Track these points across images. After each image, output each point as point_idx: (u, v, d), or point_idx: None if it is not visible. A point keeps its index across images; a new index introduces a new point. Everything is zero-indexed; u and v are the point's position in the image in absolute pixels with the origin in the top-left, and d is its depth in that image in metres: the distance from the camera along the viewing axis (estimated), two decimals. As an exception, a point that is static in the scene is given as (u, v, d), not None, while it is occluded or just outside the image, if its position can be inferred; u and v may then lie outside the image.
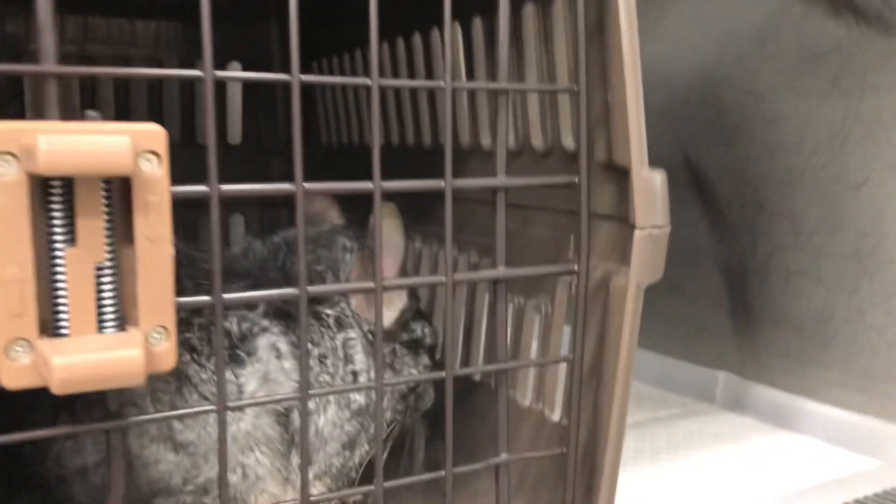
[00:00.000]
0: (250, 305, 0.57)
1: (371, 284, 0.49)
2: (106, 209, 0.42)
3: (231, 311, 0.56)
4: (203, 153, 0.44)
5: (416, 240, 0.90)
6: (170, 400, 0.52)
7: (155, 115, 1.10)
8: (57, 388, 0.39)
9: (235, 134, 1.18)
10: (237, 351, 0.55)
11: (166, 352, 0.44)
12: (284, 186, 0.47)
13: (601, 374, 0.60)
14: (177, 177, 0.43)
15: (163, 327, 0.44)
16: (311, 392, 0.48)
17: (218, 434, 0.45)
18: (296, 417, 0.57)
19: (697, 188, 1.05)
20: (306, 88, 1.18)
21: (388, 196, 0.49)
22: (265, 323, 0.57)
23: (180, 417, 0.52)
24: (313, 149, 1.17)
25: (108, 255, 0.43)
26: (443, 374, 0.52)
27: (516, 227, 0.73)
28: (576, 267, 0.56)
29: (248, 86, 1.17)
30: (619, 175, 0.59)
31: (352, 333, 0.61)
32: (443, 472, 0.53)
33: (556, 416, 0.67)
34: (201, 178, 0.46)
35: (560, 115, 0.64)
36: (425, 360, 0.67)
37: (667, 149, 1.08)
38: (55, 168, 0.38)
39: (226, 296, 0.46)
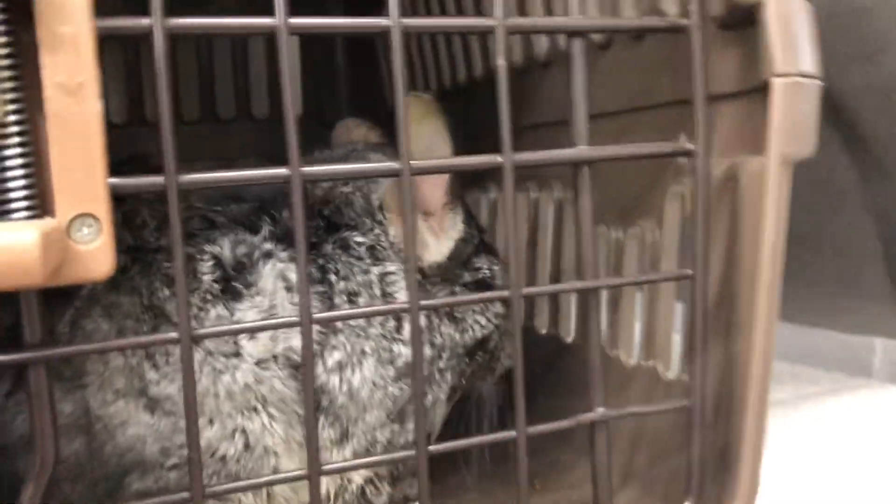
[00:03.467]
0: (251, 227, 0.44)
1: (396, 165, 0.35)
2: (4, 40, 0.30)
3: (223, 232, 0.43)
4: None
5: (490, 189, 0.76)
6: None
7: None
8: None
9: (294, 105, 1.06)
10: (232, 283, 0.42)
11: (99, 252, 0.31)
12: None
13: (733, 304, 0.43)
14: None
15: (91, 216, 0.31)
16: (316, 316, 0.34)
17: (182, 369, 0.32)
18: (318, 371, 0.43)
19: (834, 118, 0.86)
20: (369, 48, 1.08)
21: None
22: (268, 247, 0.43)
23: (151, 360, 0.39)
24: (378, 115, 1.05)
25: (11, 110, 0.30)
26: (506, 293, 0.37)
27: (608, 141, 0.58)
28: (692, 146, 0.40)
29: (306, 54, 1.06)
30: (744, 29, 0.43)
31: (391, 267, 0.46)
32: (513, 433, 0.38)
33: (672, 371, 0.51)
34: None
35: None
36: (497, 306, 0.52)
37: (792, 77, 0.90)
38: None
39: (182, 177, 0.33)
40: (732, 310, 0.44)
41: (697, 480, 0.41)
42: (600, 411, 0.40)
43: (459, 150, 0.50)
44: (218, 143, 0.98)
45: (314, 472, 0.34)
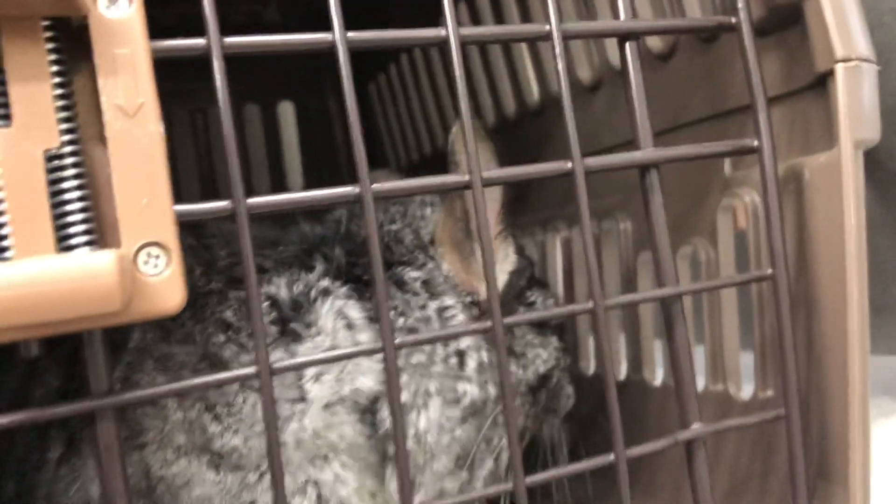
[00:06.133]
0: (305, 267, 0.42)
1: (465, 178, 0.33)
2: (56, 70, 0.28)
3: (278, 272, 0.41)
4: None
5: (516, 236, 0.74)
6: (199, 392, 0.36)
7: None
8: (-24, 321, 0.24)
9: (295, 184, 1.05)
10: (290, 325, 0.39)
11: (169, 282, 0.28)
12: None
13: (812, 307, 0.42)
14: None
15: (158, 245, 0.29)
16: (398, 340, 0.32)
17: (263, 405, 0.29)
18: (387, 414, 0.40)
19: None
20: (364, 113, 1.07)
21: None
22: (325, 284, 0.41)
23: (211, 412, 0.36)
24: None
25: (66, 140, 0.28)
26: (590, 305, 0.35)
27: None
28: (755, 143, 0.39)
29: (306, 134, 1.05)
30: (781, 32, 0.43)
31: (448, 301, 0.44)
32: (611, 457, 0.35)
33: (745, 392, 0.48)
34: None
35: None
36: (554, 341, 0.49)
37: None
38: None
39: (250, 200, 0.31)
40: (812, 313, 0.42)
41: (804, 495, 0.38)
42: (696, 427, 0.37)
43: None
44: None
45: (409, 511, 0.31)
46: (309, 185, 1.04)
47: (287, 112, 1.04)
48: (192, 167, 0.98)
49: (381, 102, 0.97)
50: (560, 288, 0.65)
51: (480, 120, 0.71)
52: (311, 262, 0.42)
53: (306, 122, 1.05)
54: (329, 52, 0.32)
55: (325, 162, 1.06)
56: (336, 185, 0.32)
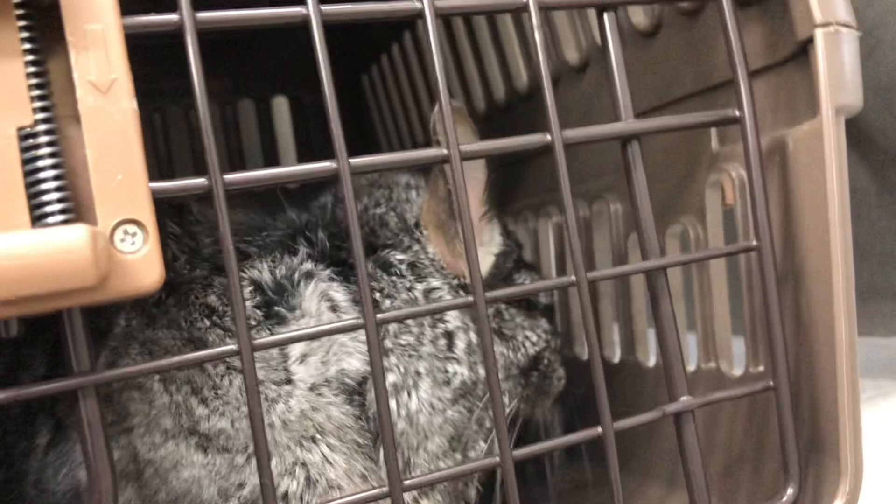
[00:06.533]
0: (288, 251, 0.42)
1: (444, 151, 0.33)
2: (28, 48, 0.28)
3: (262, 257, 0.41)
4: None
5: (506, 223, 0.74)
6: (185, 375, 0.36)
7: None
8: (-51, 295, 0.24)
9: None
10: (274, 308, 0.39)
11: (146, 260, 0.28)
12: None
13: (799, 279, 0.41)
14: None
15: (135, 223, 0.29)
16: (380, 316, 0.32)
17: (246, 381, 0.29)
18: (375, 398, 0.40)
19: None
20: (358, 105, 1.07)
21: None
22: (309, 267, 0.41)
23: (198, 395, 0.36)
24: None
25: (40, 118, 0.28)
26: (572, 278, 0.35)
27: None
28: (735, 112, 0.38)
29: (300, 129, 1.05)
30: (761, 3, 0.42)
31: (434, 282, 0.44)
32: (599, 430, 0.35)
33: (737, 369, 0.48)
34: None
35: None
36: (544, 324, 0.49)
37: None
38: None
39: (227, 176, 0.30)
40: (799, 285, 0.42)
41: (796, 465, 0.38)
42: (684, 400, 0.37)
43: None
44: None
45: (396, 487, 0.31)
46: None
47: (281, 107, 1.03)
48: (187, 164, 0.98)
49: (374, 94, 0.97)
50: (553, 273, 0.64)
51: (469, 105, 0.71)
52: (295, 246, 0.42)
53: (301, 116, 1.05)
54: (303, 25, 0.31)
55: (320, 157, 1.05)
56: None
